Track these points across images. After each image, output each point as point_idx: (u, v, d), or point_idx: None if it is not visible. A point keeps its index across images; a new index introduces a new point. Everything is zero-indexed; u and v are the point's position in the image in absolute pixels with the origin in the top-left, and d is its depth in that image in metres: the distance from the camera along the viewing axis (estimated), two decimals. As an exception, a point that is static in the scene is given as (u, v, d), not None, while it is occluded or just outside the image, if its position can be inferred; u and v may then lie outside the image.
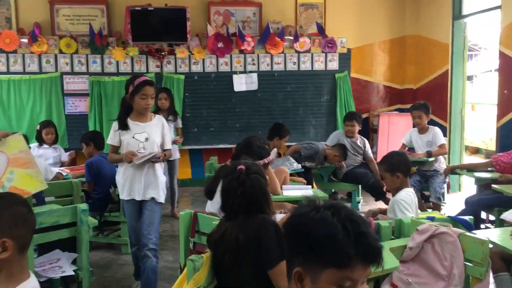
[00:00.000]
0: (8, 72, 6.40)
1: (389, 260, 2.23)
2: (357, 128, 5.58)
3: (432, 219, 2.70)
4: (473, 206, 4.23)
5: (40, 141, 5.23)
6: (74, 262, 3.07)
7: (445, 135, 6.46)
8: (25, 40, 6.37)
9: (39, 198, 3.54)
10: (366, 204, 5.96)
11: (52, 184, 3.77)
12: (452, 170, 4.99)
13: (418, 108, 5.26)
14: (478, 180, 4.68)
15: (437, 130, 5.31)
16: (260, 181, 2.13)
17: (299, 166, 4.79)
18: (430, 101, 6.87)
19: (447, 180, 5.35)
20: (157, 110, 5.23)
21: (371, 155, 5.67)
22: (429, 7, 7.14)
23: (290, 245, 1.22)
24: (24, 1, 6.60)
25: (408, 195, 3.08)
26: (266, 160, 3.23)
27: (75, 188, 3.92)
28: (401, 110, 7.41)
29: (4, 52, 6.35)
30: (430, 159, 5.16)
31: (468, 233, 2.38)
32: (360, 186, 5.52)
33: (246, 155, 3.10)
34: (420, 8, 7.37)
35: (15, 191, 2.65)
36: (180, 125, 5.78)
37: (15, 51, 6.38)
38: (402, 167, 3.15)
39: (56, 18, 6.62)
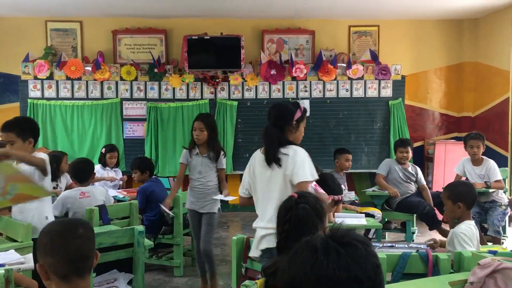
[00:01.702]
0: (72, 98, 6.77)
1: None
2: (410, 155, 5.45)
3: (494, 253, 2.58)
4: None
5: (104, 164, 5.48)
6: (130, 282, 3.15)
7: (506, 165, 6.19)
8: (89, 68, 6.74)
9: (105, 218, 3.70)
10: (420, 235, 5.76)
11: (112, 206, 3.92)
12: None
13: (476, 137, 5.04)
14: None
15: (493, 164, 5.00)
16: (307, 211, 2.08)
17: (353, 193, 4.73)
18: (490, 130, 6.65)
19: (508, 212, 5.08)
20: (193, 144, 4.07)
21: (424, 183, 5.49)
22: (488, 34, 6.96)
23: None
24: (89, 31, 7.01)
25: (468, 228, 2.96)
26: (339, 197, 3.24)
27: (133, 210, 4.05)
28: (458, 139, 7.17)
29: (70, 79, 6.74)
30: (489, 190, 4.94)
31: None
32: (414, 215, 5.36)
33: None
34: (479, 34, 7.20)
35: (21, 197, 2.66)
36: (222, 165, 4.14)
37: (79, 78, 6.76)
38: (466, 198, 3.04)
39: (118, 47, 6.98)
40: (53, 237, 1.66)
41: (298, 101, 2.81)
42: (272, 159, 2.75)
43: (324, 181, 3.21)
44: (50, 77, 6.74)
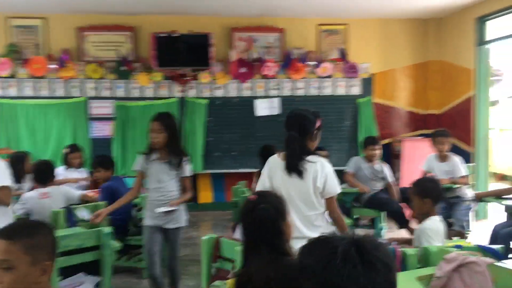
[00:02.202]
0: (36, 97, 6.58)
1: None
2: (379, 152, 5.52)
3: (459, 247, 2.63)
4: (504, 237, 4.10)
5: (67, 164, 5.32)
6: (97, 285, 3.08)
7: (470, 161, 6.35)
8: (53, 66, 6.55)
9: (71, 220, 3.60)
10: (390, 231, 5.85)
11: (79, 207, 3.81)
12: (481, 198, 4.84)
13: (444, 135, 5.16)
14: (509, 208, 4.56)
15: (458, 160, 5.12)
16: (269, 212, 1.99)
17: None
18: (455, 127, 6.81)
19: (472, 207, 5.20)
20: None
21: (391, 180, 5.57)
22: (452, 33, 7.13)
23: (303, 273, 1.18)
24: (54, 28, 6.82)
25: (433, 224, 3.02)
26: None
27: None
28: (425, 136, 7.32)
29: (33, 78, 6.55)
30: (454, 186, 5.05)
31: (498, 264, 2.30)
32: (383, 212, 5.43)
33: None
34: (443, 33, 7.36)
35: None
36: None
37: (43, 77, 6.56)
38: (433, 193, 3.11)
39: (84, 45, 6.82)
40: None
41: (316, 112, 2.72)
42: (294, 168, 2.73)
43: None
44: (13, 75, 6.53)
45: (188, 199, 3.58)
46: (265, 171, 2.86)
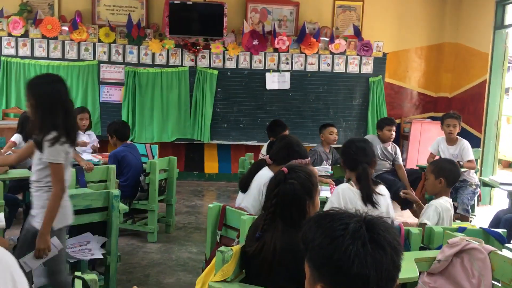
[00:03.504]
0: (47, 58, 6.57)
1: (409, 269, 2.18)
2: (394, 134, 5.45)
3: (463, 229, 2.65)
4: (506, 222, 4.12)
5: (75, 127, 5.34)
6: (103, 246, 3.14)
7: (478, 146, 6.33)
8: (65, 28, 6.52)
9: (81, 181, 3.65)
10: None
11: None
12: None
13: (454, 117, 5.11)
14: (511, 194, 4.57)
15: (466, 144, 5.07)
16: (296, 187, 2.04)
17: (329, 168, 4.77)
18: (465, 111, 6.76)
19: (477, 191, 5.21)
20: None
21: (401, 162, 5.56)
22: (470, 16, 7.00)
23: (307, 244, 1.18)
24: (67, -11, 6.76)
25: (445, 204, 3.05)
26: (306, 161, 3.23)
27: (110, 174, 4.00)
28: (434, 118, 7.28)
29: (45, 38, 6.52)
30: (462, 170, 5.04)
31: (499, 252, 2.31)
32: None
33: (285, 153, 3.12)
34: (461, 15, 7.23)
35: None
36: None
37: (55, 38, 6.54)
38: (449, 174, 3.13)
39: (97, 8, 6.76)
40: None
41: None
42: (370, 199, 2.81)
43: (290, 146, 3.22)
44: (25, 34, 6.50)
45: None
46: (336, 198, 2.87)
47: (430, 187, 3.18)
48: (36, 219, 2.55)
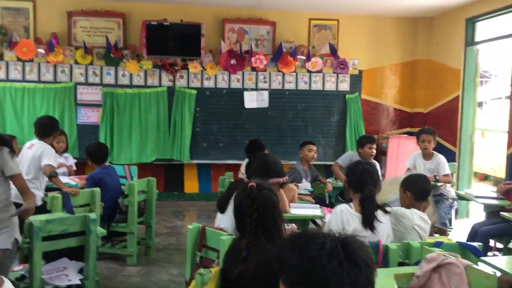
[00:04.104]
0: (23, 80, 6.51)
1: (388, 286, 2.20)
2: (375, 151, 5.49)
3: (440, 244, 2.69)
4: (482, 235, 4.19)
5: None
6: (80, 271, 3.08)
7: (454, 160, 6.45)
8: (42, 50, 6.48)
9: (68, 206, 3.59)
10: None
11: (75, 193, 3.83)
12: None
13: (428, 132, 5.20)
14: (487, 207, 4.65)
15: (442, 159, 5.14)
16: (272, 196, 2.15)
17: (309, 185, 4.79)
18: (440, 126, 6.90)
19: (454, 205, 5.29)
20: None
21: (381, 179, 5.60)
22: (442, 33, 7.20)
23: (282, 265, 1.20)
24: (43, 12, 6.73)
25: (407, 213, 3.07)
26: (283, 179, 3.25)
27: (95, 198, 3.95)
28: (410, 134, 7.40)
29: (21, 61, 6.47)
30: (438, 184, 5.12)
31: (475, 266, 2.35)
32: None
33: (263, 172, 3.13)
34: (433, 33, 7.43)
35: None
36: None
37: (31, 60, 6.49)
38: (414, 188, 3.18)
39: (73, 29, 6.75)
40: None
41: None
42: (371, 223, 2.79)
43: (267, 164, 3.23)
44: (0, 57, 6.44)
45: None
46: (335, 219, 2.85)
47: (401, 200, 3.25)
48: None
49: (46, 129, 4.30)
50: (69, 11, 6.72)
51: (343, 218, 2.84)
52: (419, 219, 3.10)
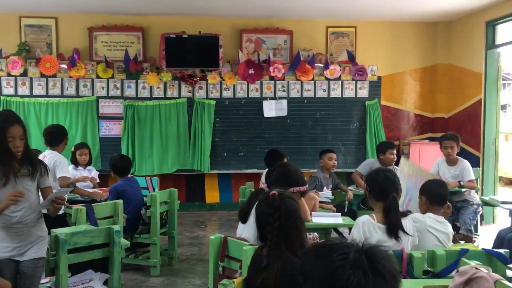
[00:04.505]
0: (47, 95, 6.66)
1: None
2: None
3: (466, 251, 2.64)
4: (509, 241, 4.10)
5: (75, 163, 5.37)
6: (105, 282, 3.12)
7: (478, 165, 6.34)
8: (64, 65, 6.62)
9: (92, 218, 3.65)
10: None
11: (96, 206, 3.88)
12: None
13: (451, 138, 5.13)
14: (513, 213, 4.56)
15: (467, 164, 5.07)
16: (294, 204, 2.16)
17: (330, 193, 4.77)
18: (462, 131, 6.80)
19: (479, 211, 5.19)
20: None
21: (401, 184, 5.54)
22: (462, 37, 7.12)
23: (306, 275, 1.20)
24: (65, 28, 6.90)
25: (422, 217, 3.08)
26: (304, 188, 3.25)
27: (118, 210, 4.00)
28: (432, 139, 7.32)
29: (44, 76, 6.62)
30: (462, 190, 5.04)
31: (504, 281, 2.30)
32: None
33: (284, 181, 3.14)
34: (452, 37, 7.35)
35: None
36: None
37: (54, 76, 6.64)
38: (429, 193, 3.18)
39: (94, 45, 6.89)
40: None
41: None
42: (395, 233, 2.76)
43: (288, 173, 3.23)
44: (24, 74, 6.61)
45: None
46: (358, 231, 2.82)
47: (419, 205, 3.24)
48: None
49: (54, 137, 4.36)
50: (90, 27, 6.86)
51: (365, 230, 2.81)
52: (433, 222, 3.09)
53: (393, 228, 2.76)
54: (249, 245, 2.71)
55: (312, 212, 3.81)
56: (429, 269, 2.63)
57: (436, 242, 3.04)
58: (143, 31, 6.96)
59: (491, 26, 6.47)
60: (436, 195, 3.20)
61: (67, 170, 4.33)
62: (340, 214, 4.05)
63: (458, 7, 6.53)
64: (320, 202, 4.34)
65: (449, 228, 3.14)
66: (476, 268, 2.34)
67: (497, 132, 6.56)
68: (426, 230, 3.04)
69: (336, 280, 1.11)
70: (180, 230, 5.74)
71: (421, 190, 3.23)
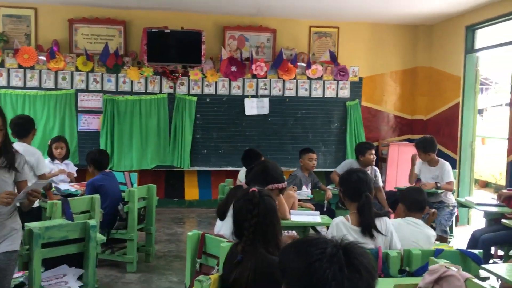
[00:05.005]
0: (24, 87, 6.53)
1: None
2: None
3: (441, 251, 2.68)
4: (483, 242, 4.18)
5: (52, 157, 5.28)
6: (80, 278, 3.07)
7: (454, 168, 6.43)
8: (43, 57, 6.50)
9: (68, 213, 3.58)
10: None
11: (73, 200, 3.81)
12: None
13: (417, 146, 5.24)
14: (488, 214, 4.64)
15: (447, 166, 5.13)
16: (272, 203, 2.16)
17: (309, 192, 4.78)
18: (440, 133, 6.90)
19: (455, 212, 5.27)
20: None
21: (381, 185, 5.60)
22: (442, 40, 7.22)
23: (284, 270, 1.21)
24: (44, 19, 6.76)
25: (395, 222, 3.15)
26: (282, 185, 3.25)
27: (95, 204, 3.94)
28: (410, 141, 7.40)
29: (22, 68, 6.49)
30: (439, 191, 5.11)
31: (475, 280, 2.33)
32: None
33: (262, 178, 3.13)
34: (433, 40, 7.45)
35: None
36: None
37: (32, 67, 6.51)
38: (407, 200, 3.29)
39: (74, 37, 6.78)
40: None
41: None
42: (369, 231, 2.78)
43: (267, 170, 3.23)
44: (1, 64, 6.47)
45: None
46: (330, 232, 2.84)
47: (397, 211, 3.32)
48: None
49: (22, 129, 4.17)
50: (71, 19, 6.75)
51: (340, 232, 2.81)
52: (407, 223, 3.16)
53: (367, 227, 2.78)
54: (226, 241, 2.70)
55: (291, 211, 3.81)
56: (405, 268, 2.65)
57: (417, 234, 3.11)
58: (125, 24, 6.87)
59: (470, 30, 6.58)
60: (413, 202, 3.26)
61: (45, 165, 4.24)
62: (318, 212, 4.07)
63: (438, 11, 6.61)
64: (299, 200, 4.35)
65: (427, 230, 3.19)
66: (446, 267, 2.37)
67: (474, 135, 6.67)
68: (405, 224, 3.13)
69: (313, 274, 1.11)
70: (158, 227, 5.69)
71: (400, 198, 3.35)
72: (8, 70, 6.48)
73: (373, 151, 5.38)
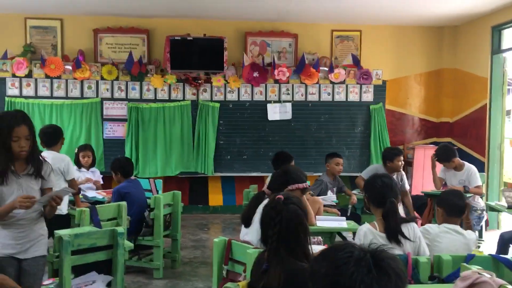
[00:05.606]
0: (51, 97, 6.66)
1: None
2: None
3: (472, 257, 2.62)
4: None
5: (78, 165, 5.37)
6: (109, 284, 3.10)
7: (483, 171, 6.30)
8: (69, 67, 6.63)
9: (95, 220, 3.64)
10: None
11: (100, 207, 3.86)
12: None
13: (439, 160, 5.17)
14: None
15: (473, 170, 5.04)
16: (298, 211, 2.11)
17: (334, 197, 4.75)
18: (467, 135, 6.78)
19: (484, 216, 5.16)
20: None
21: (407, 189, 5.49)
22: (467, 41, 7.09)
23: (313, 276, 1.20)
24: (70, 30, 6.91)
25: (432, 228, 3.11)
26: (303, 185, 3.21)
27: (122, 211, 3.98)
28: (436, 144, 7.26)
29: (49, 78, 6.63)
30: (467, 195, 5.00)
31: (509, 287, 2.27)
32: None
33: (283, 179, 3.12)
34: (458, 42, 7.33)
35: None
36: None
37: (59, 77, 6.65)
38: (445, 204, 3.20)
39: (99, 46, 6.90)
40: None
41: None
42: (396, 237, 2.71)
43: (287, 172, 3.22)
44: (29, 75, 6.62)
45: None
46: (357, 240, 2.80)
47: (437, 216, 3.26)
48: None
49: (51, 138, 4.27)
50: (95, 29, 6.88)
51: (367, 238, 2.77)
52: (445, 231, 3.08)
53: (393, 233, 2.72)
54: (253, 248, 2.70)
55: (317, 216, 3.79)
56: (435, 274, 2.60)
57: (456, 243, 3.04)
58: (148, 33, 6.96)
59: (497, 30, 6.45)
60: (453, 206, 3.19)
61: (74, 171, 4.33)
62: (344, 218, 4.03)
63: (464, 12, 6.51)
64: (325, 206, 4.32)
65: (467, 235, 3.11)
66: (479, 273, 2.31)
67: (502, 137, 6.52)
68: (440, 236, 3.05)
69: (340, 276, 1.11)
70: (183, 233, 5.72)
71: (438, 201, 3.25)
72: (36, 80, 6.63)
73: (402, 158, 5.27)
